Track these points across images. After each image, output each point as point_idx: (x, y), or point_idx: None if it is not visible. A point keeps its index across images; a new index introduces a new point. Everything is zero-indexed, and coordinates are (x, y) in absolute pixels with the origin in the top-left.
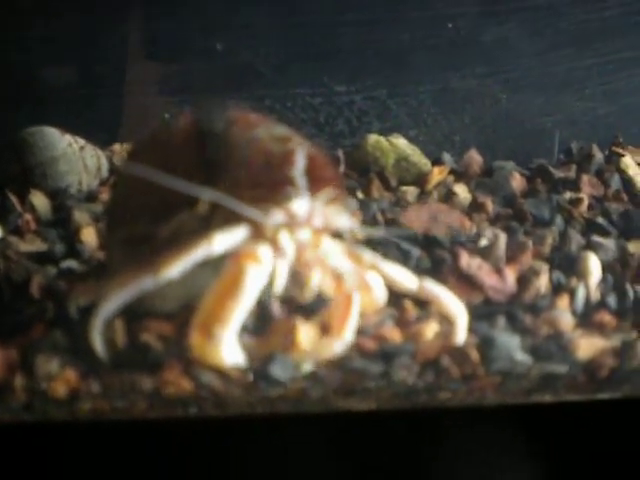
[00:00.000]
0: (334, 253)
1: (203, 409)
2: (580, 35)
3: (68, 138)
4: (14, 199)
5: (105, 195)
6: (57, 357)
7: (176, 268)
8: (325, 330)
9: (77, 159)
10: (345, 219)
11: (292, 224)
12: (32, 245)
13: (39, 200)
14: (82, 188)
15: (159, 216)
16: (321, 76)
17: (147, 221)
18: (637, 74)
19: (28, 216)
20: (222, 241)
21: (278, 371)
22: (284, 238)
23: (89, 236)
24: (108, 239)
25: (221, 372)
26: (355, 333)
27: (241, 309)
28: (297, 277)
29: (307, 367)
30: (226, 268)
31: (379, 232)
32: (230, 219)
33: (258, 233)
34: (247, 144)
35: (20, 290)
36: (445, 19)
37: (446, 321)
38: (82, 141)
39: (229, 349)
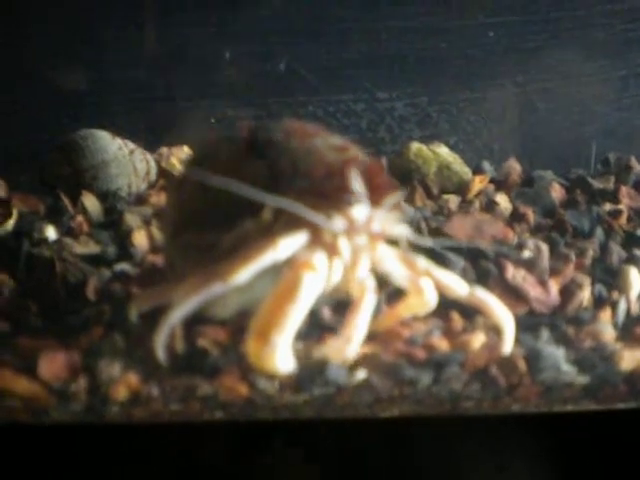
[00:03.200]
0: (388, 258)
1: (257, 414)
2: (617, 45)
3: (118, 142)
4: (67, 201)
5: (154, 198)
6: (118, 361)
7: (244, 274)
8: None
9: (127, 162)
10: (400, 227)
11: (351, 230)
12: (86, 247)
13: (90, 202)
14: (131, 191)
15: (224, 224)
16: (363, 82)
17: (211, 229)
18: None
19: (80, 218)
20: (286, 247)
21: (333, 377)
22: (343, 243)
23: (140, 239)
24: (169, 245)
25: (274, 378)
26: (405, 342)
27: (297, 317)
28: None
29: (361, 374)
30: (284, 276)
31: (430, 242)
32: (291, 226)
33: (317, 239)
34: (306, 154)
35: (76, 292)
36: (486, 28)
37: (492, 332)
38: (132, 145)
39: (283, 356)
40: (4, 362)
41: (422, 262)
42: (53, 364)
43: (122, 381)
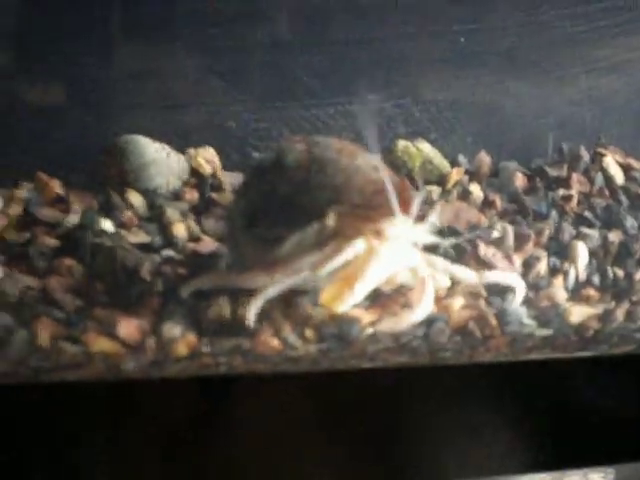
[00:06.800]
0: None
1: (286, 365)
2: (569, 44)
3: (156, 145)
4: (116, 198)
5: (188, 195)
6: (179, 325)
7: (328, 268)
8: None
9: (164, 164)
10: (426, 234)
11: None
12: (137, 237)
13: (136, 199)
14: (169, 188)
15: (292, 223)
16: (357, 87)
17: (281, 226)
18: (615, 80)
19: (129, 213)
20: (357, 246)
21: (350, 331)
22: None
23: (180, 230)
24: (239, 236)
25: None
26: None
27: (372, 278)
28: None
29: (369, 330)
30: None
31: (445, 241)
32: (350, 232)
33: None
34: (355, 171)
35: (133, 273)
36: (459, 35)
37: (469, 296)
38: (168, 148)
39: (352, 301)
40: (87, 328)
41: (441, 262)
42: (129, 326)
43: (183, 340)
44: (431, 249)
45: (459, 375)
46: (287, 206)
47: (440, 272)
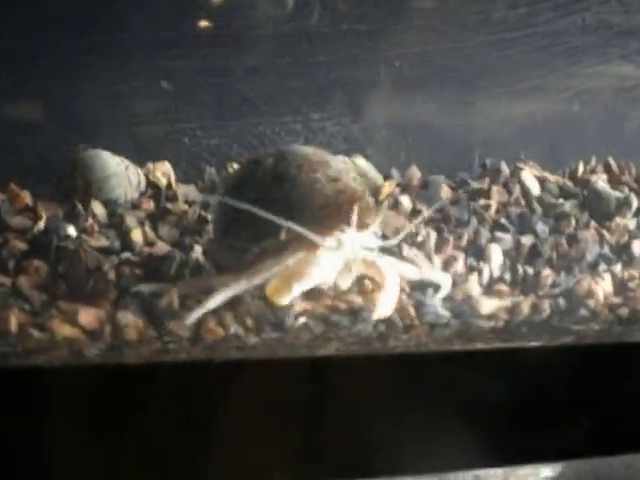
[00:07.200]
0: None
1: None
2: (495, 68)
3: (117, 159)
4: (81, 207)
5: (145, 205)
6: (131, 313)
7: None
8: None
9: (124, 176)
10: (375, 239)
11: (341, 247)
12: (98, 242)
13: (98, 208)
14: (127, 199)
15: (253, 236)
16: (300, 106)
17: (245, 238)
18: (534, 101)
19: (91, 220)
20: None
21: (285, 318)
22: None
23: (137, 236)
24: (216, 244)
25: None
26: (331, 298)
27: (312, 278)
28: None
29: (302, 319)
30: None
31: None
32: (300, 246)
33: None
34: (310, 186)
35: (94, 273)
36: (394, 59)
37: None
38: (127, 161)
39: (290, 297)
40: (52, 316)
41: (388, 260)
42: (88, 315)
43: (133, 325)
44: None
45: (403, 364)
46: (251, 220)
47: (390, 268)
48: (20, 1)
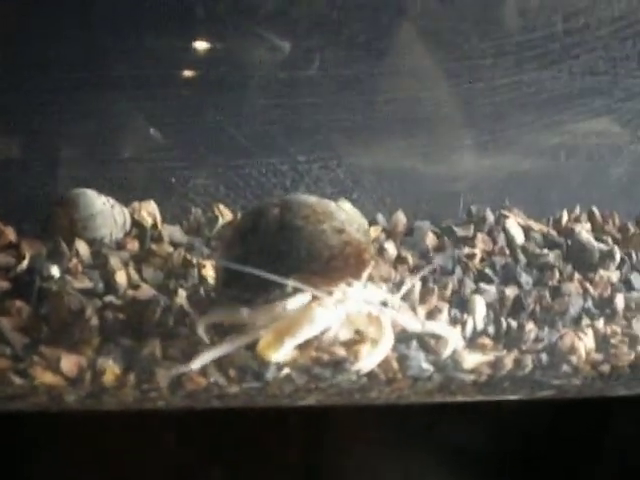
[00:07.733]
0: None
1: (211, 400)
2: (478, 117)
3: (103, 198)
4: (65, 246)
5: (130, 245)
6: (110, 358)
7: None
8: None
9: (109, 215)
10: (379, 292)
11: (344, 300)
12: (82, 283)
13: (82, 247)
14: (112, 239)
15: (258, 288)
16: (287, 148)
17: (251, 291)
18: (520, 149)
19: (75, 260)
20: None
21: (266, 372)
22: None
23: (121, 277)
24: (222, 292)
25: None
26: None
27: (306, 333)
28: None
29: (285, 371)
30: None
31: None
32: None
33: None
34: (317, 238)
35: (77, 316)
36: (381, 104)
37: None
38: (112, 200)
39: (284, 353)
40: (34, 362)
41: (389, 312)
42: (69, 362)
43: (110, 371)
44: None
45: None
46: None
47: (391, 324)
48: (5, 39)
